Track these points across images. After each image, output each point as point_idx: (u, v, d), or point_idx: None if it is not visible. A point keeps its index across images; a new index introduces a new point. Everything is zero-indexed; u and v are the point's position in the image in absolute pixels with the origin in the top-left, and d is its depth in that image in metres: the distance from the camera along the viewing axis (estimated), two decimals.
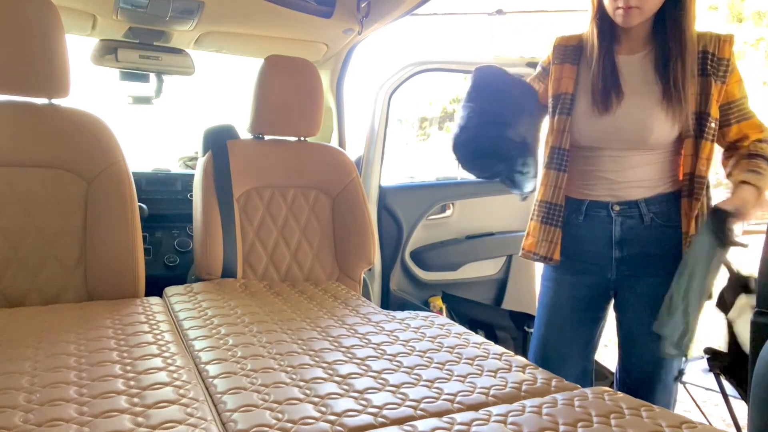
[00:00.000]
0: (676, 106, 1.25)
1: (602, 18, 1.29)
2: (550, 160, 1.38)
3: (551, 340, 1.43)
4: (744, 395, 1.14)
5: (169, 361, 1.01)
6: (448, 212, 2.50)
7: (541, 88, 1.43)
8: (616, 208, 1.32)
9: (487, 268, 2.44)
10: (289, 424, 0.80)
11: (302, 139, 1.90)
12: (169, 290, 1.52)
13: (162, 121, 3.60)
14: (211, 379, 0.95)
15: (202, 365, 1.01)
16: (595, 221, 1.35)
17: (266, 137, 1.86)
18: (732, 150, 1.33)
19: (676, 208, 1.30)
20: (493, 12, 2.26)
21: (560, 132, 1.35)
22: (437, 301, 2.42)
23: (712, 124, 1.26)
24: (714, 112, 1.27)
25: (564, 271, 1.42)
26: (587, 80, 1.33)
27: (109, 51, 2.06)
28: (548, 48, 1.43)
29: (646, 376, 1.34)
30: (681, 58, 1.24)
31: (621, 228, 1.32)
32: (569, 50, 1.38)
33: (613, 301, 1.41)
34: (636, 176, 1.31)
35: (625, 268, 1.33)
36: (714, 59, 1.26)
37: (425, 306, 2.37)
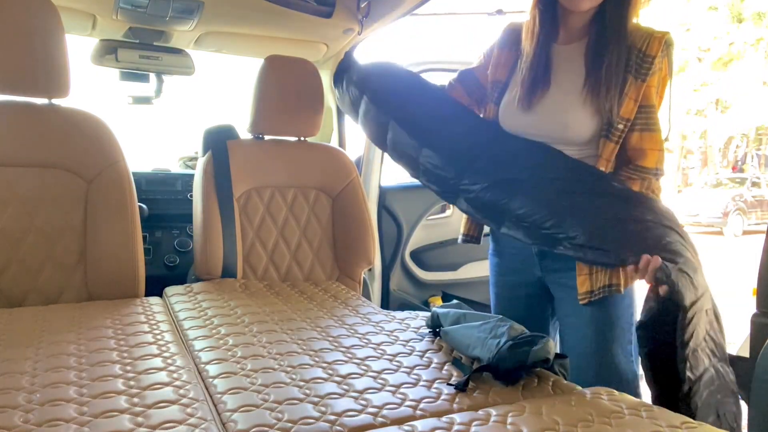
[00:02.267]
0: (598, 100, 1.20)
1: (545, 4, 1.24)
2: None
3: None
4: (744, 395, 1.14)
5: (169, 361, 1.01)
6: (448, 212, 2.50)
7: (482, 70, 1.40)
8: None
9: (487, 268, 2.44)
10: (289, 424, 0.80)
11: (302, 139, 1.90)
12: (169, 290, 1.52)
13: (162, 121, 3.60)
14: (211, 379, 0.95)
15: (202, 365, 1.01)
16: None
17: (266, 137, 1.86)
18: (626, 167, 1.25)
19: None
20: (493, 12, 2.26)
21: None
22: (437, 301, 2.42)
23: (620, 125, 1.20)
24: (625, 111, 1.20)
25: (503, 273, 1.44)
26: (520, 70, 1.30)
27: (109, 51, 2.06)
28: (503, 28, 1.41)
29: (581, 369, 1.29)
30: (615, 48, 1.18)
31: None
32: (514, 36, 1.33)
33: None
34: None
35: (548, 263, 1.30)
36: (639, 55, 1.19)
37: (425, 306, 2.37)
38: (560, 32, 1.27)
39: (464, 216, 1.44)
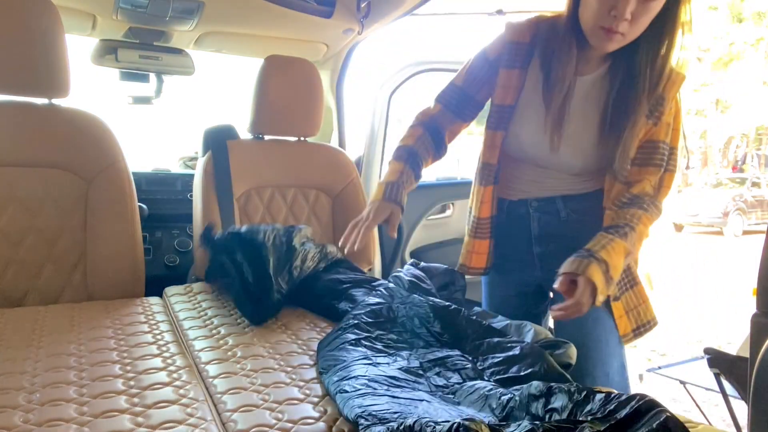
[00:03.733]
0: (612, 142, 1.15)
1: (576, 32, 1.13)
2: (480, 176, 1.32)
3: None
4: (744, 395, 1.14)
5: (169, 361, 1.01)
6: (448, 212, 2.50)
7: (480, 87, 1.29)
8: (534, 204, 1.28)
9: None
10: (289, 424, 0.80)
11: (302, 139, 1.90)
12: (169, 290, 1.51)
13: (162, 121, 3.60)
14: (211, 379, 0.95)
15: (202, 365, 1.01)
16: (515, 219, 1.31)
17: (266, 137, 1.86)
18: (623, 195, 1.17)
19: (598, 203, 1.23)
20: (493, 12, 2.26)
21: (492, 147, 1.27)
22: None
23: (628, 166, 1.16)
24: (633, 153, 1.16)
25: (494, 273, 1.40)
26: (532, 91, 1.21)
27: (109, 51, 2.06)
28: (501, 37, 1.25)
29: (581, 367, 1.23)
30: (643, 94, 1.11)
31: (539, 224, 1.28)
32: (521, 50, 1.21)
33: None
34: (559, 185, 1.26)
35: (551, 263, 1.18)
36: (656, 96, 1.13)
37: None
38: (580, 60, 1.17)
39: (464, 246, 1.39)
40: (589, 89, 1.19)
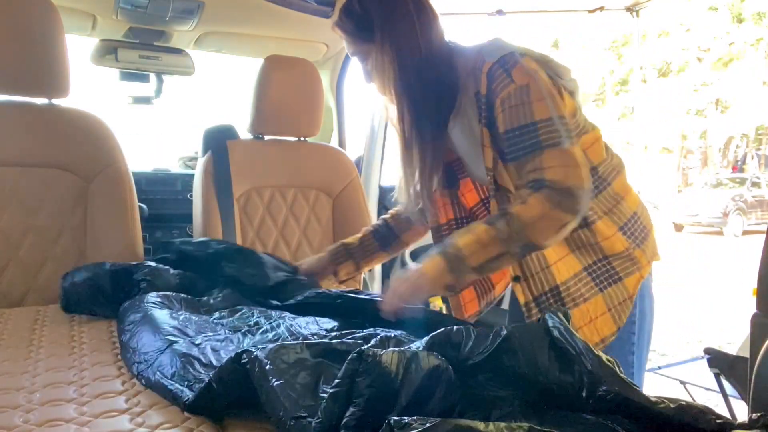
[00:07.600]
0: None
1: None
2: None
3: None
4: (744, 395, 1.13)
5: None
6: None
7: None
8: None
9: None
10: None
11: (302, 139, 1.90)
12: None
13: (162, 121, 3.60)
14: None
15: None
16: None
17: (266, 137, 1.86)
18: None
19: None
20: (493, 12, 2.27)
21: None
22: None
23: (487, 176, 1.07)
24: (487, 161, 1.05)
25: None
26: None
27: (109, 51, 2.06)
28: None
29: None
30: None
31: None
32: None
33: None
34: None
35: None
36: (481, 99, 1.03)
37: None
38: None
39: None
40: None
